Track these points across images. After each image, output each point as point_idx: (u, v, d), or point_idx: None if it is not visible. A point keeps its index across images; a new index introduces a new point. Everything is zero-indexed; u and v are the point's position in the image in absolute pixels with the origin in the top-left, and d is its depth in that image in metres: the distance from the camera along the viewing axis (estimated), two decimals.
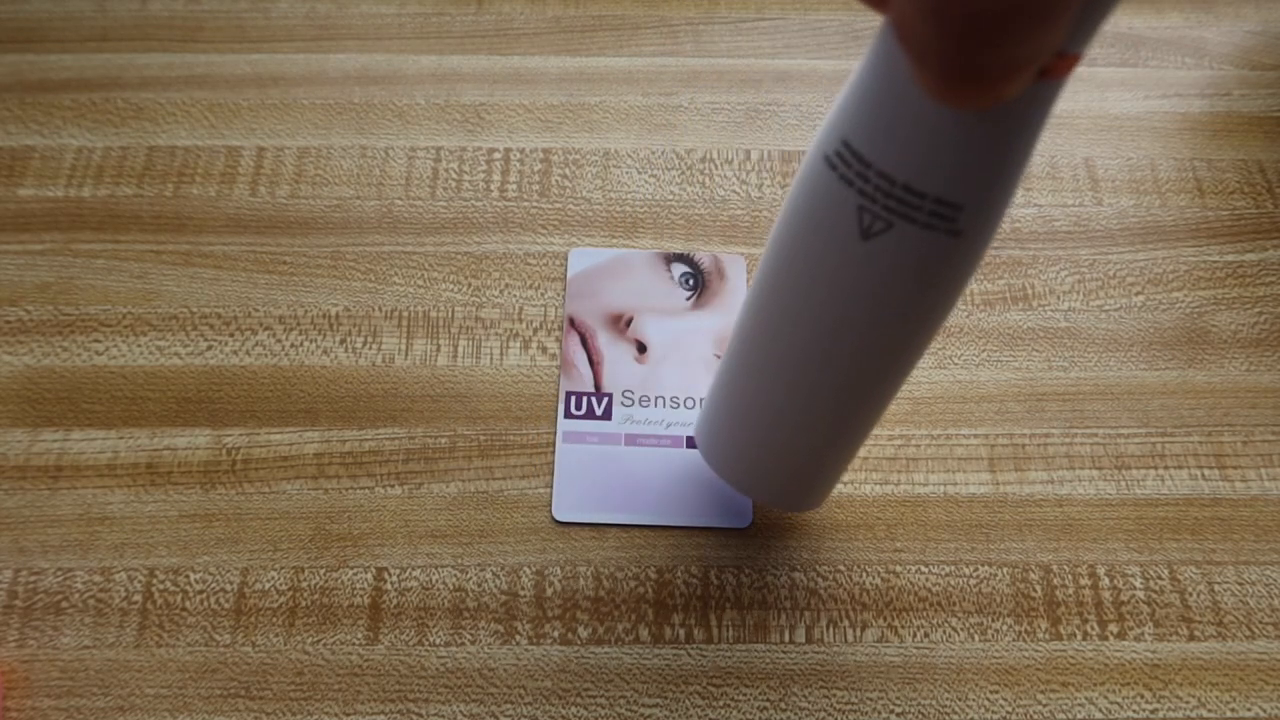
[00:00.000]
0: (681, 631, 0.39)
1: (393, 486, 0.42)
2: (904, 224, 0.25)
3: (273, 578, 0.40)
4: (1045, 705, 0.38)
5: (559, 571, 0.40)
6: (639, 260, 0.47)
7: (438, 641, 0.39)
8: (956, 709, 0.38)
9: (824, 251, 0.27)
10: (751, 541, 0.41)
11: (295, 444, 0.42)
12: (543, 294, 0.46)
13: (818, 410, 0.31)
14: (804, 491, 0.35)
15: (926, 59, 0.19)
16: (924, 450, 0.43)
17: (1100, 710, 0.38)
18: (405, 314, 0.45)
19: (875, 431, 0.43)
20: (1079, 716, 0.38)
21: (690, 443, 0.43)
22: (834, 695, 0.38)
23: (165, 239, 0.47)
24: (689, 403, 0.43)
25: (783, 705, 0.38)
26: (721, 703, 0.38)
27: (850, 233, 0.26)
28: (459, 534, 0.41)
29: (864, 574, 0.41)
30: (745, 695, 0.38)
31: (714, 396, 0.35)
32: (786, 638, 0.39)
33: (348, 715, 0.38)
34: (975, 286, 0.47)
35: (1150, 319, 0.46)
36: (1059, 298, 0.47)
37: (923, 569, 0.41)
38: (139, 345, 0.45)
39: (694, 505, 0.41)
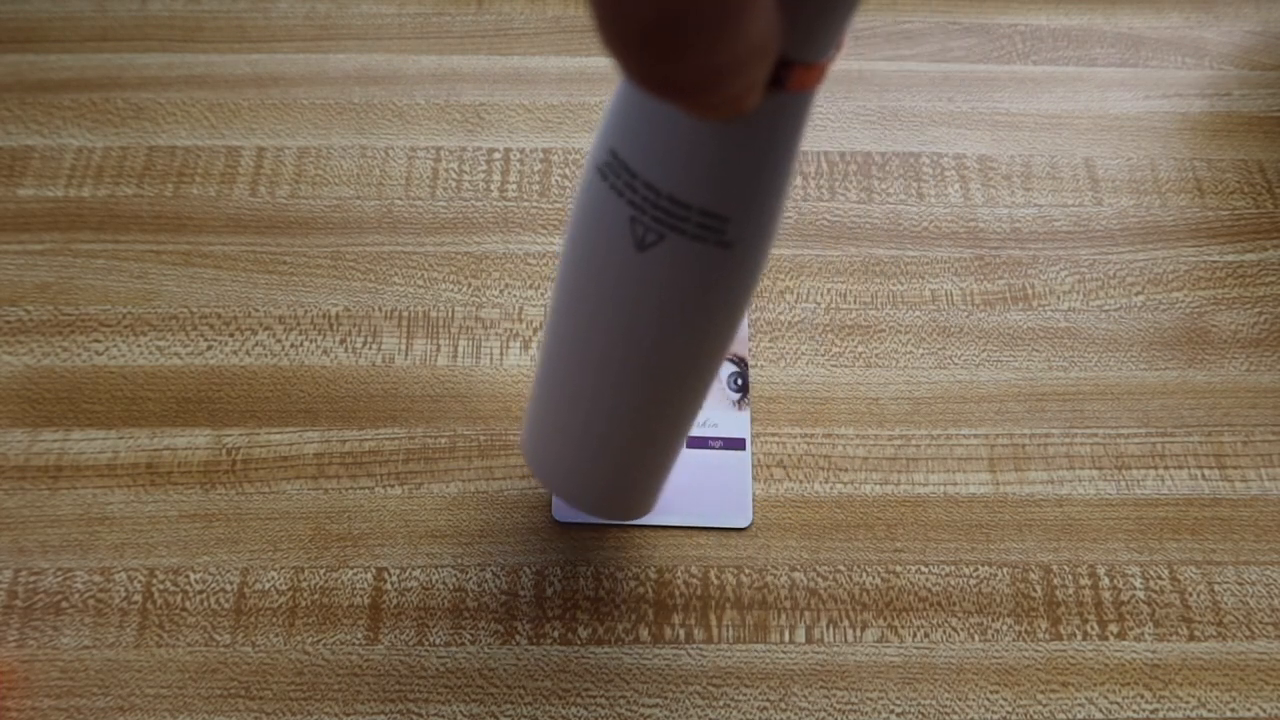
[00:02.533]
0: (681, 631, 0.39)
1: (393, 486, 0.42)
2: (675, 235, 0.25)
3: (273, 578, 0.40)
4: (1045, 705, 0.38)
5: (559, 571, 0.40)
6: None
7: (438, 641, 0.39)
8: (956, 709, 0.38)
9: (604, 262, 0.27)
10: (751, 541, 0.41)
11: (295, 444, 0.42)
12: (543, 294, 0.46)
13: (617, 419, 0.31)
14: (622, 500, 0.35)
15: (629, 71, 0.19)
16: (924, 450, 0.43)
17: (1100, 710, 0.38)
18: (405, 314, 0.45)
19: (875, 431, 0.43)
20: (1079, 716, 0.38)
21: (690, 443, 0.43)
22: (834, 695, 0.38)
23: (165, 239, 0.47)
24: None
25: (783, 705, 0.38)
26: (721, 703, 0.38)
27: (626, 243, 0.26)
28: (459, 534, 0.41)
29: (864, 574, 0.41)
30: (745, 695, 0.38)
31: (531, 408, 0.35)
32: (786, 638, 0.39)
33: (348, 715, 0.38)
34: (975, 286, 0.47)
35: (1150, 319, 0.46)
36: (1059, 298, 0.47)
37: (923, 569, 0.41)
38: (139, 345, 0.45)
39: (694, 505, 0.41)
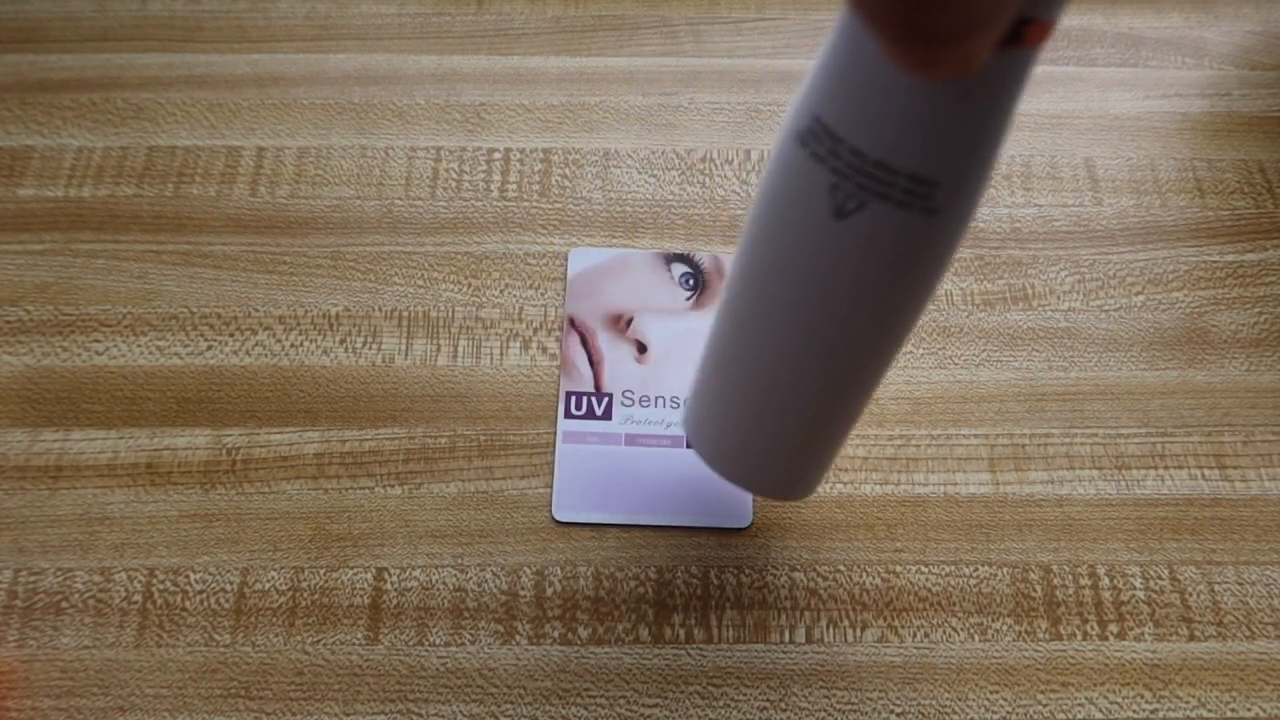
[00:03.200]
0: (681, 631, 0.39)
1: (393, 486, 0.42)
2: (878, 202, 0.24)
3: (273, 578, 0.40)
4: (1045, 705, 0.38)
5: (559, 571, 0.40)
6: (639, 260, 0.47)
7: (438, 641, 0.39)
8: (956, 709, 0.38)
9: (799, 232, 0.26)
10: (751, 541, 0.41)
11: (295, 444, 0.42)
12: (543, 294, 0.46)
13: (803, 394, 0.30)
14: (794, 479, 0.35)
15: (879, 21, 0.19)
16: (924, 450, 0.43)
17: (1100, 710, 0.38)
18: (405, 314, 0.45)
19: (875, 431, 0.43)
20: (1079, 716, 0.38)
21: (690, 443, 0.43)
22: (834, 695, 0.38)
23: (165, 239, 0.47)
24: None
25: (783, 705, 0.38)
26: (721, 703, 0.38)
27: (824, 212, 0.25)
28: (459, 534, 0.41)
29: (864, 574, 0.41)
30: (745, 695, 0.38)
31: (700, 384, 0.34)
32: (786, 638, 0.39)
33: (348, 715, 0.38)
34: (975, 286, 0.47)
35: (1150, 319, 0.46)
36: (1059, 298, 0.47)
37: (923, 569, 0.41)
38: (139, 345, 0.45)
39: (694, 505, 0.41)
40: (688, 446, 0.43)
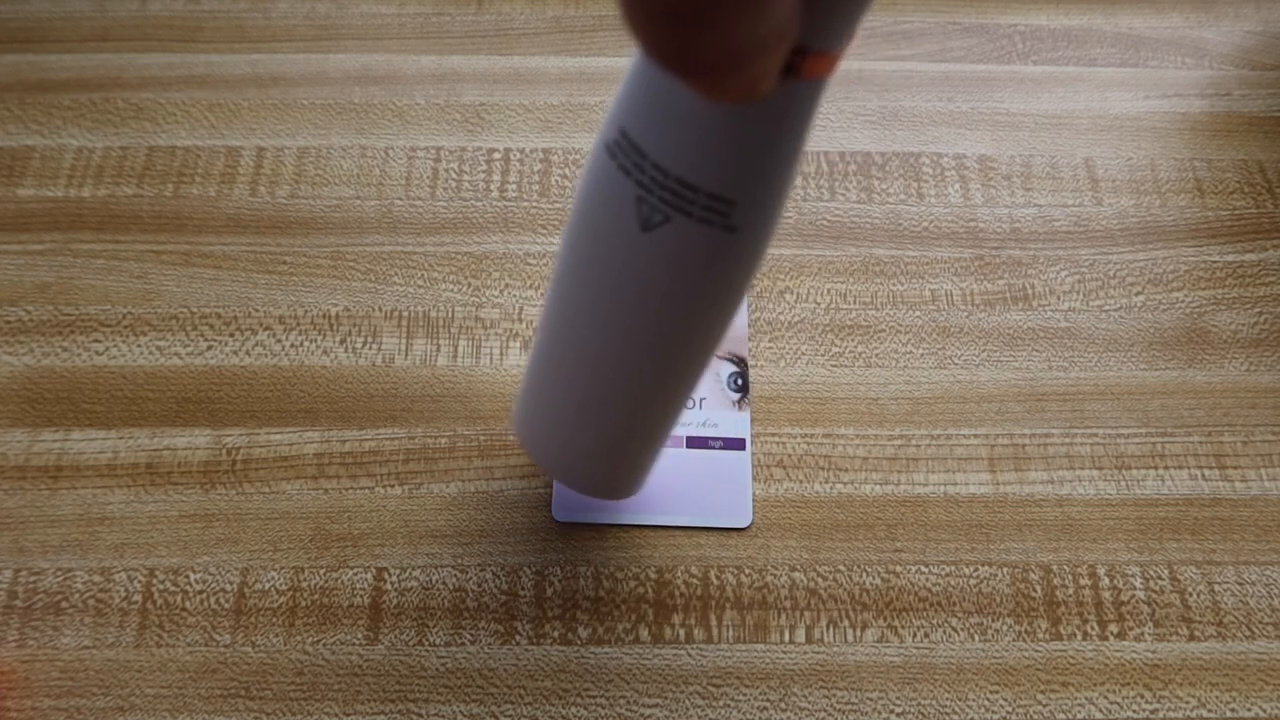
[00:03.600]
0: (681, 631, 0.39)
1: (393, 486, 0.42)
2: (680, 218, 0.25)
3: (273, 578, 0.40)
4: (1045, 705, 0.38)
5: (559, 571, 0.40)
6: None
7: (438, 641, 0.39)
8: (956, 709, 0.38)
9: (608, 241, 0.27)
10: (751, 541, 0.41)
11: (295, 444, 0.42)
12: (542, 294, 0.46)
13: (615, 398, 0.31)
14: (613, 479, 0.35)
15: (651, 48, 0.20)
16: (924, 450, 0.43)
17: (1100, 710, 0.38)
18: (405, 314, 0.45)
19: (875, 431, 0.43)
20: (1079, 716, 0.38)
21: (691, 443, 0.43)
22: (834, 695, 0.38)
23: (165, 239, 0.47)
24: (689, 403, 0.43)
25: (783, 705, 0.38)
26: (721, 703, 0.38)
27: (631, 224, 0.26)
28: (459, 534, 0.41)
29: (864, 574, 0.41)
30: (745, 695, 0.38)
31: (525, 384, 0.35)
32: (786, 638, 0.39)
33: (348, 715, 0.38)
34: (975, 286, 0.47)
35: (1150, 319, 0.46)
36: (1059, 298, 0.47)
37: (923, 569, 0.41)
38: (139, 345, 0.45)
39: (694, 505, 0.41)
40: (688, 446, 0.43)
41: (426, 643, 0.39)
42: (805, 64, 0.21)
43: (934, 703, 0.38)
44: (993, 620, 0.40)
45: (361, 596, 0.40)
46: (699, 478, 0.42)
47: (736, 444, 0.43)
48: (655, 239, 0.26)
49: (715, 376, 0.44)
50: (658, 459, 0.36)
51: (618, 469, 0.34)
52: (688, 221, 0.25)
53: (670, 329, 0.28)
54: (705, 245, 0.25)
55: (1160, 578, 0.41)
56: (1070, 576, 0.41)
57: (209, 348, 0.45)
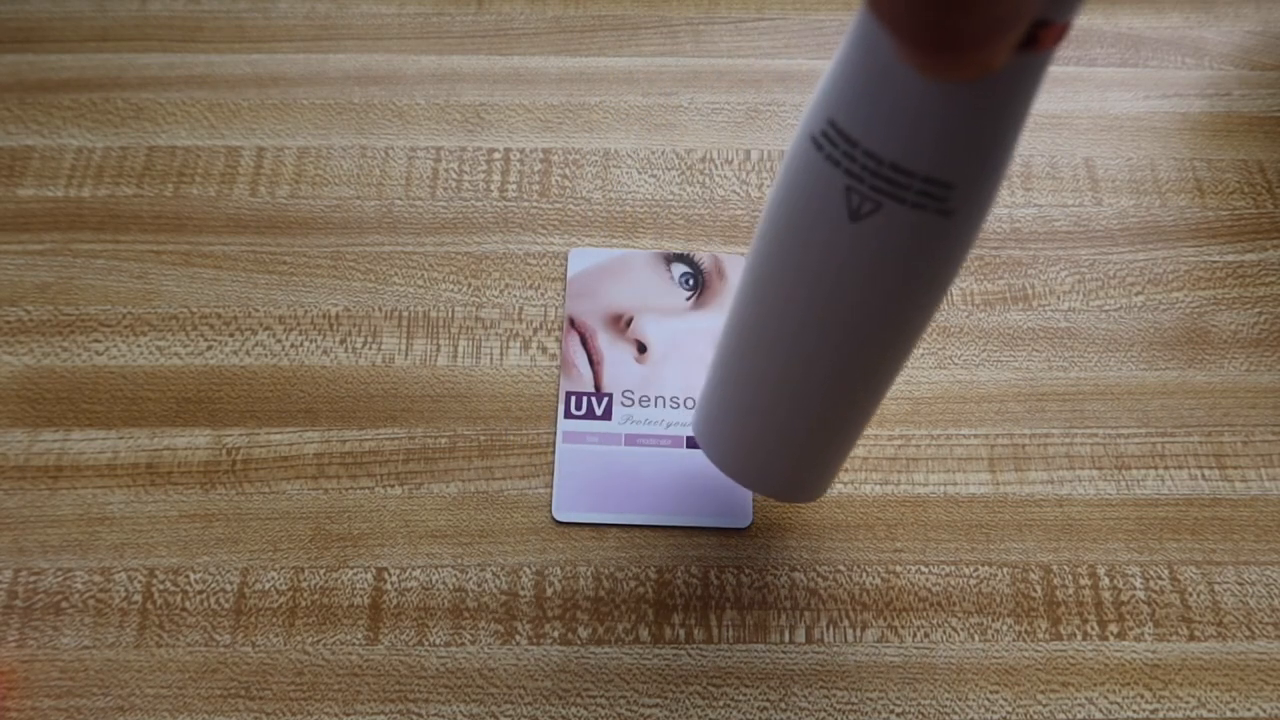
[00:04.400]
0: (681, 631, 0.39)
1: (393, 486, 0.42)
2: (893, 204, 0.24)
3: (273, 578, 0.40)
4: (1045, 705, 0.38)
5: (559, 571, 0.40)
6: (639, 260, 0.47)
7: (438, 641, 0.39)
8: (956, 709, 0.38)
9: (813, 234, 0.26)
10: (751, 541, 0.41)
11: (295, 444, 0.42)
12: (543, 294, 0.46)
13: (814, 397, 0.30)
14: (803, 482, 0.35)
15: (901, 25, 0.19)
16: (924, 450, 0.43)
17: (1100, 710, 0.38)
18: (405, 314, 0.45)
19: (875, 431, 0.43)
20: (1079, 716, 0.38)
21: (691, 442, 0.43)
22: (834, 695, 0.38)
23: (165, 239, 0.47)
24: (689, 403, 0.43)
25: (783, 705, 0.38)
26: (721, 703, 0.38)
27: (839, 214, 0.25)
28: (459, 534, 0.41)
29: (864, 574, 0.41)
30: (745, 695, 0.38)
31: (710, 386, 0.34)
32: (786, 638, 0.39)
33: (348, 715, 0.38)
34: (975, 286, 0.47)
35: (1150, 319, 0.46)
36: (1059, 298, 0.47)
37: (923, 569, 0.41)
38: (139, 345, 0.45)
39: (694, 505, 0.41)
40: (688, 446, 0.43)
41: (426, 643, 0.39)
42: (1044, 35, 0.21)
43: (934, 703, 0.38)
44: (993, 620, 0.40)
45: (361, 596, 0.40)
46: (699, 478, 0.42)
47: None
48: (865, 228, 0.25)
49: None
50: (848, 458, 0.35)
51: (810, 470, 0.34)
52: (900, 208, 0.24)
53: (878, 319, 0.27)
54: (919, 231, 0.25)
55: (1160, 578, 0.41)
56: (1070, 576, 0.41)
57: (209, 348, 0.45)
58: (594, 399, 0.43)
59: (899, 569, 0.41)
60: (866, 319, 0.27)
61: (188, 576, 0.40)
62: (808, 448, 0.33)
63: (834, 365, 0.29)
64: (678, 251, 0.47)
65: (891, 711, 0.38)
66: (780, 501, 0.36)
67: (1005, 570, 0.41)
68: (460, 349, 0.45)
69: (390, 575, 0.40)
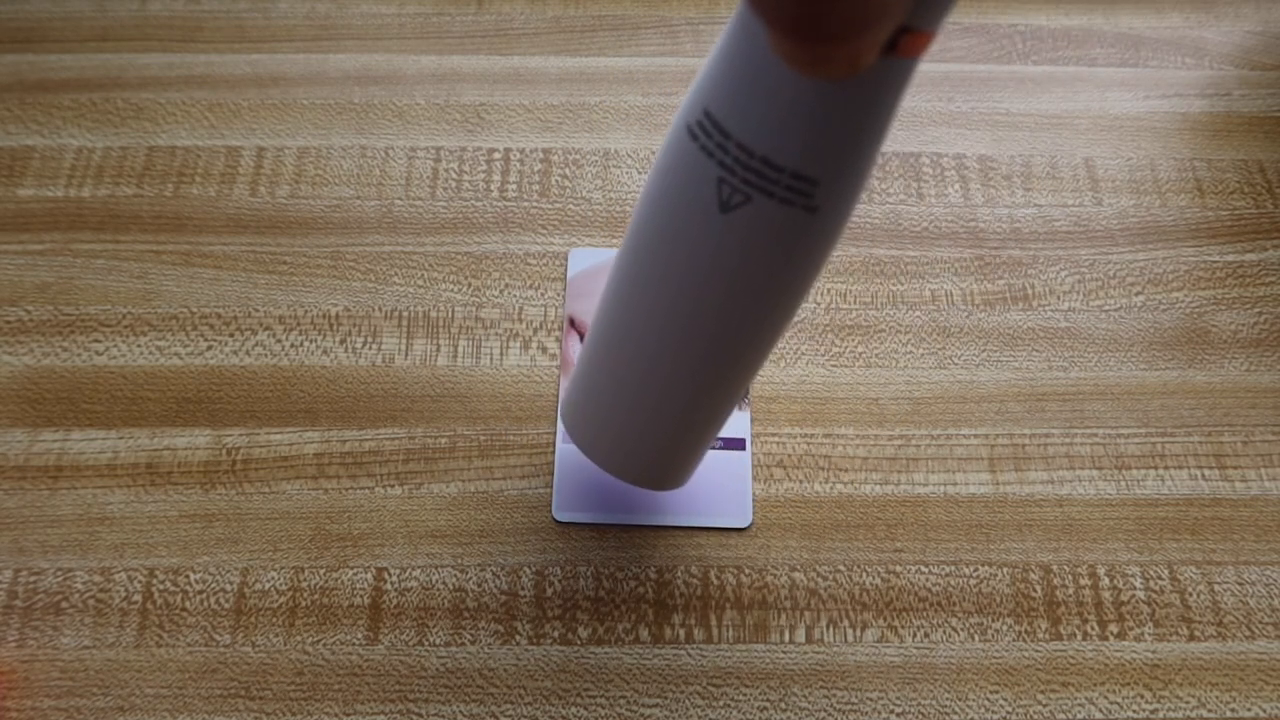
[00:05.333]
0: (681, 631, 0.39)
1: (393, 486, 0.42)
2: (762, 198, 0.25)
3: (273, 578, 0.40)
4: (1045, 705, 0.38)
5: (559, 571, 0.40)
6: None
7: (438, 641, 0.39)
8: (956, 709, 0.38)
9: (685, 222, 0.27)
10: (751, 541, 0.41)
11: (295, 444, 0.42)
12: (543, 294, 0.46)
13: (680, 385, 0.31)
14: (667, 469, 0.35)
15: (773, 17, 0.20)
16: (924, 450, 0.43)
17: (1100, 710, 0.38)
18: (405, 314, 0.45)
19: (875, 431, 0.43)
20: (1079, 716, 0.38)
21: None
22: (834, 695, 0.38)
23: (165, 239, 0.47)
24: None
25: (783, 705, 0.38)
26: (721, 703, 0.38)
27: (710, 204, 0.26)
28: (459, 534, 0.41)
29: (864, 574, 0.41)
30: (745, 695, 0.38)
31: (579, 373, 0.35)
32: (786, 638, 0.39)
33: (348, 715, 0.38)
34: (975, 286, 0.47)
35: (1150, 319, 0.46)
36: (1059, 298, 0.47)
37: (923, 569, 0.41)
38: (139, 345, 0.45)
39: (694, 505, 0.41)
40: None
41: (426, 643, 0.39)
42: (905, 41, 0.21)
43: (934, 703, 0.38)
44: (993, 620, 0.40)
45: (361, 596, 0.40)
46: (699, 478, 0.42)
47: (737, 444, 0.43)
48: (734, 220, 0.26)
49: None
50: (709, 448, 0.36)
51: (673, 458, 0.34)
52: (769, 202, 0.25)
53: (742, 310, 0.28)
54: (785, 225, 0.25)
55: (1160, 578, 0.41)
56: (1070, 576, 0.41)
57: (209, 348, 0.45)
58: None
59: (899, 569, 0.41)
60: (733, 309, 0.28)
61: (188, 576, 0.40)
62: (673, 435, 0.33)
63: (700, 353, 0.29)
64: None
65: (891, 711, 0.38)
66: (643, 488, 0.37)
67: (1005, 570, 0.41)
68: (460, 349, 0.45)
69: (390, 575, 0.40)
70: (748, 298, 0.27)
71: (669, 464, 0.35)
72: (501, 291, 0.46)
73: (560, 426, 0.43)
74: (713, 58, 0.25)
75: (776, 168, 0.24)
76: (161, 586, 0.40)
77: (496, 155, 0.50)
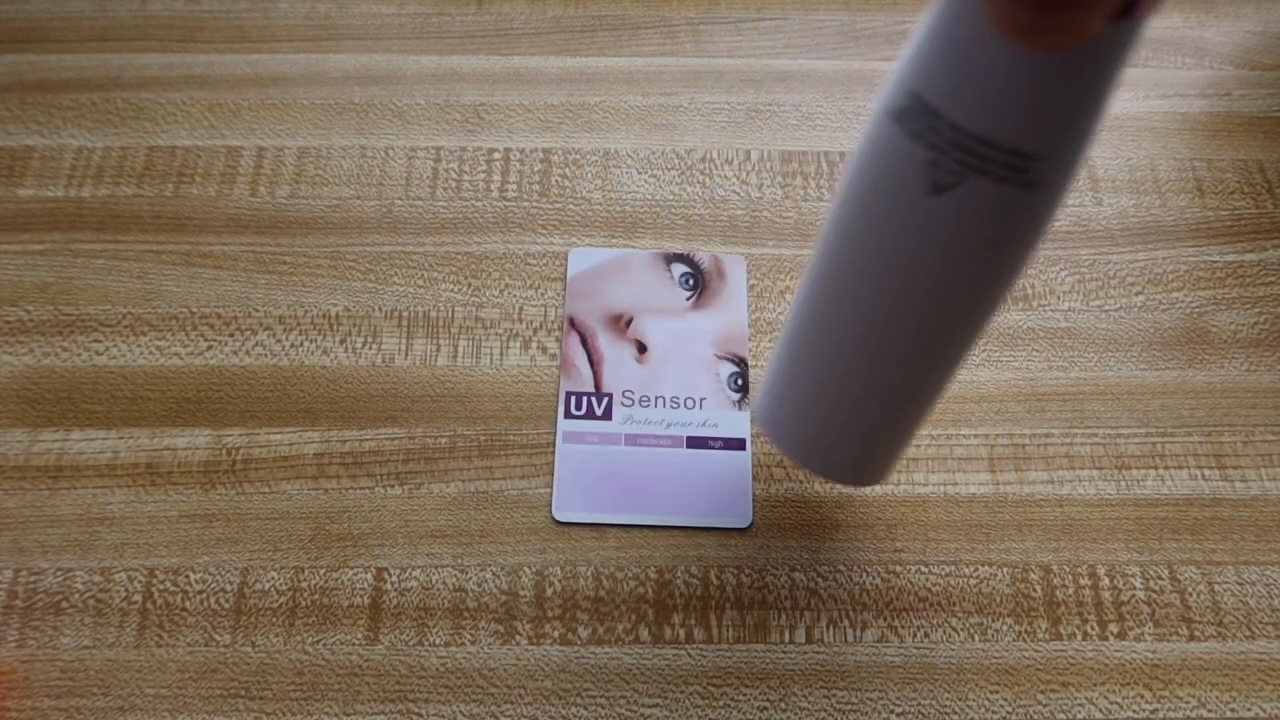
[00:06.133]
0: (681, 631, 0.39)
1: (393, 486, 0.42)
2: (976, 178, 0.24)
3: (273, 578, 0.40)
4: (1045, 705, 0.38)
5: (559, 571, 0.40)
6: (639, 260, 0.47)
7: (438, 641, 0.39)
8: (956, 709, 0.38)
9: (891, 208, 0.26)
10: (751, 541, 0.41)
11: (295, 444, 0.42)
12: (543, 294, 0.46)
13: (884, 374, 0.30)
14: (870, 463, 0.34)
15: None
16: (924, 450, 0.43)
17: (1100, 710, 0.38)
18: (405, 314, 0.45)
19: None
20: (1079, 716, 0.38)
21: (691, 442, 0.43)
22: (834, 695, 0.38)
23: (165, 239, 0.47)
24: (689, 403, 0.43)
25: (783, 705, 0.38)
26: (721, 703, 0.38)
27: (919, 188, 0.25)
28: (459, 534, 0.41)
29: (864, 574, 0.41)
30: (745, 695, 0.38)
31: (776, 364, 0.34)
32: (786, 638, 0.39)
33: (348, 715, 0.38)
34: None
35: (1150, 319, 0.46)
36: (1059, 298, 0.47)
37: (923, 569, 0.41)
38: (139, 345, 0.45)
39: (694, 505, 0.41)
40: (688, 446, 0.43)
41: (426, 643, 0.39)
42: (1137, 3, 0.20)
43: (934, 703, 0.38)
44: (993, 620, 0.40)
45: (361, 596, 0.40)
46: (699, 478, 0.42)
47: (736, 444, 0.43)
48: (946, 202, 0.25)
49: (715, 376, 0.44)
50: (910, 440, 0.35)
51: (878, 450, 0.33)
52: (984, 181, 0.24)
53: (957, 294, 0.27)
54: (1001, 203, 0.25)
55: (1160, 578, 0.41)
56: (1070, 576, 0.41)
57: (209, 348, 0.45)
58: (594, 399, 0.43)
59: (899, 569, 0.41)
60: (944, 294, 0.27)
61: (188, 576, 0.40)
62: (877, 427, 0.32)
63: (909, 341, 0.29)
64: (678, 251, 0.47)
65: (891, 711, 0.38)
66: (845, 486, 0.36)
67: (1005, 570, 0.41)
68: (460, 349, 0.45)
69: (390, 575, 0.40)
70: (961, 280, 0.27)
71: (873, 457, 0.34)
72: (501, 291, 0.46)
73: (560, 425, 0.43)
74: (916, 40, 0.24)
75: (993, 145, 0.23)
76: (161, 586, 0.40)
77: (496, 155, 0.50)
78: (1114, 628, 0.40)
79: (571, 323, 0.45)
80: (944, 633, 0.39)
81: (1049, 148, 0.23)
